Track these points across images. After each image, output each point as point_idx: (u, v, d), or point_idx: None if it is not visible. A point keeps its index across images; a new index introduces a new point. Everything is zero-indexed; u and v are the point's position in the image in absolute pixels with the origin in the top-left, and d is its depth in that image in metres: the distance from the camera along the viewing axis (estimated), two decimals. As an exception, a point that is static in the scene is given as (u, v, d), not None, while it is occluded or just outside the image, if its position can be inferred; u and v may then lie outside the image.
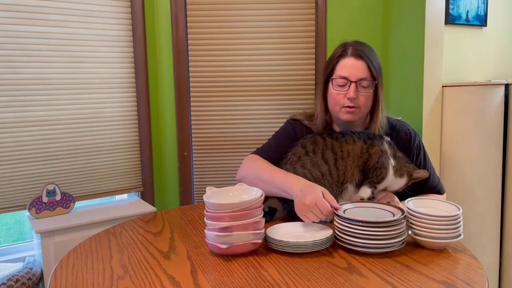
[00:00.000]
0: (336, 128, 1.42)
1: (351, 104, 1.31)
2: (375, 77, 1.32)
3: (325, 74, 1.37)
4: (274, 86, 2.22)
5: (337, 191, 1.25)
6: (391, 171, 1.23)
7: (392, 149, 1.26)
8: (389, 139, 1.29)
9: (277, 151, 1.39)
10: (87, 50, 2.01)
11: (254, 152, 1.44)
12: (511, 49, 2.32)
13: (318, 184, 1.20)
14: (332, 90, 1.34)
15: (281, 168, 1.31)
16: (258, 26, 2.18)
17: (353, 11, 2.23)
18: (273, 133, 1.50)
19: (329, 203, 1.11)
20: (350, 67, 1.30)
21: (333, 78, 1.33)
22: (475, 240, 2.04)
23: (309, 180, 1.23)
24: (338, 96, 1.32)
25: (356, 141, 1.25)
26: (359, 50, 1.31)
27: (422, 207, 1.08)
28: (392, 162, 1.23)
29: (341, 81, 1.31)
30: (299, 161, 1.28)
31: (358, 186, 1.24)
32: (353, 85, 1.30)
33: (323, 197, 1.12)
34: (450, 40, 2.08)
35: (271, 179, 1.26)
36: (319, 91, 1.41)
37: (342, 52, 1.33)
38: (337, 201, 1.17)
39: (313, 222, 1.14)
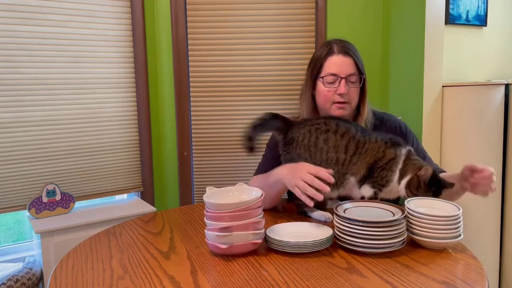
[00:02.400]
0: None
1: (342, 100, 1.36)
2: (361, 72, 1.38)
3: (313, 73, 1.41)
4: (274, 86, 2.22)
5: (339, 181, 1.24)
6: (396, 176, 1.20)
7: (408, 156, 1.22)
8: (411, 148, 1.25)
9: (272, 164, 1.38)
10: (87, 50, 2.01)
11: (254, 174, 1.49)
12: (511, 49, 2.32)
13: (326, 167, 1.23)
14: (323, 87, 1.38)
15: (304, 123, 1.32)
16: (258, 26, 2.18)
17: (353, 11, 2.23)
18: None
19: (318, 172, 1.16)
20: (339, 64, 1.36)
21: (323, 76, 1.37)
22: (475, 240, 2.03)
23: (321, 159, 1.25)
24: (329, 93, 1.37)
25: (378, 141, 1.24)
26: (345, 47, 1.38)
27: (422, 207, 1.08)
28: (400, 166, 1.21)
29: (331, 78, 1.36)
30: (326, 134, 1.27)
31: (361, 182, 1.24)
32: (343, 81, 1.35)
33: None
34: (450, 40, 2.08)
35: (264, 184, 1.30)
36: (307, 90, 1.44)
37: (328, 50, 1.38)
38: (338, 191, 1.24)
39: (309, 200, 1.16)
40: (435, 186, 1.16)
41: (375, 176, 1.22)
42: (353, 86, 1.37)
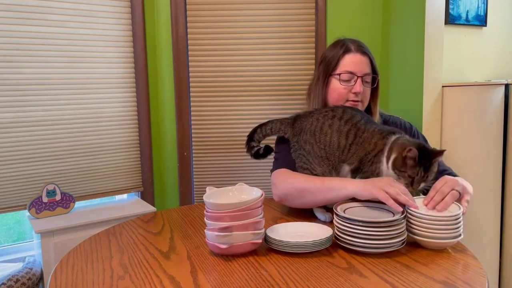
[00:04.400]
0: None
1: (356, 99, 1.37)
2: (376, 72, 1.40)
3: (327, 70, 1.40)
4: (274, 86, 2.22)
5: (337, 168, 1.23)
6: (384, 164, 1.15)
7: (395, 140, 1.17)
8: (401, 135, 1.19)
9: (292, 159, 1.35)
10: (87, 50, 2.01)
11: (277, 167, 1.37)
12: (511, 49, 2.32)
13: (326, 151, 1.23)
14: (338, 85, 1.38)
15: (313, 113, 1.30)
16: (258, 26, 2.18)
17: (353, 11, 2.23)
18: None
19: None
20: (356, 62, 1.36)
21: (340, 73, 1.37)
22: (475, 240, 2.04)
23: (325, 142, 1.23)
24: (344, 91, 1.37)
25: (375, 131, 1.20)
26: (362, 47, 1.39)
27: (422, 207, 1.08)
28: (385, 153, 1.16)
29: (347, 76, 1.36)
30: (332, 119, 1.25)
31: (353, 172, 1.21)
32: (359, 80, 1.36)
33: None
34: (450, 40, 2.08)
35: (321, 186, 1.21)
36: (319, 88, 1.42)
37: (345, 48, 1.38)
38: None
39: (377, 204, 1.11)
40: (426, 159, 1.10)
41: (365, 170, 1.19)
42: (367, 86, 1.39)
